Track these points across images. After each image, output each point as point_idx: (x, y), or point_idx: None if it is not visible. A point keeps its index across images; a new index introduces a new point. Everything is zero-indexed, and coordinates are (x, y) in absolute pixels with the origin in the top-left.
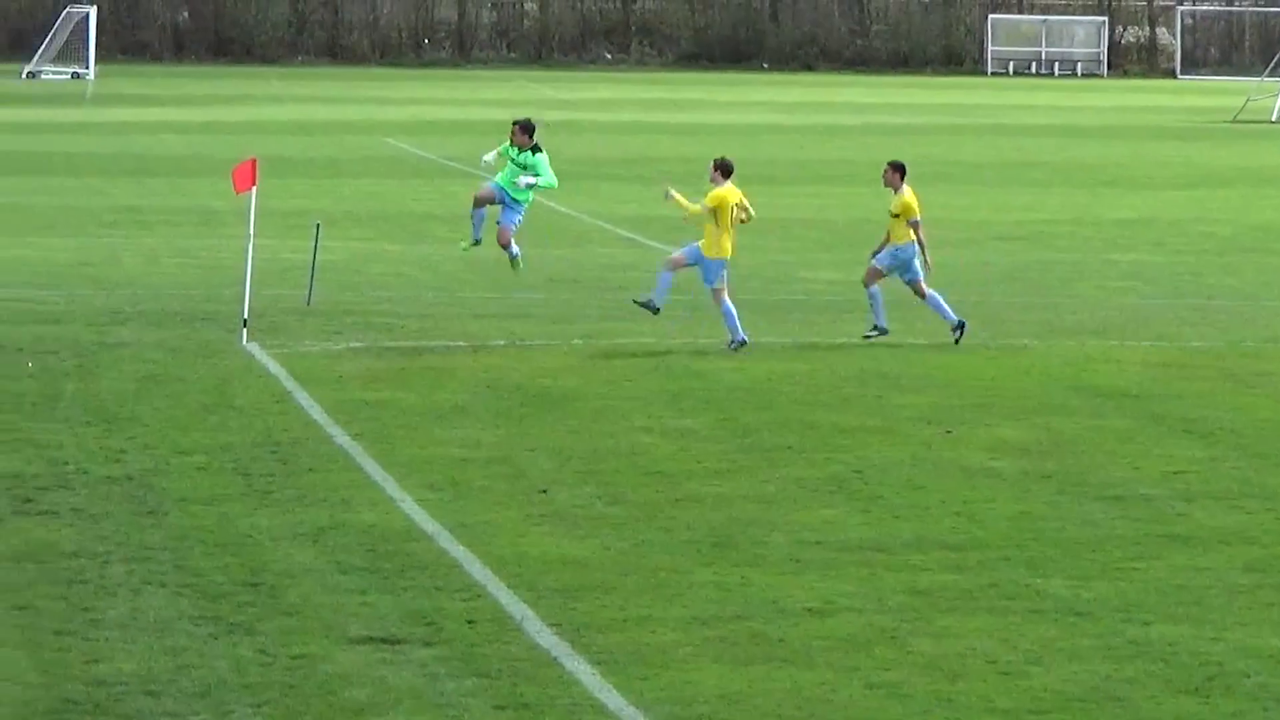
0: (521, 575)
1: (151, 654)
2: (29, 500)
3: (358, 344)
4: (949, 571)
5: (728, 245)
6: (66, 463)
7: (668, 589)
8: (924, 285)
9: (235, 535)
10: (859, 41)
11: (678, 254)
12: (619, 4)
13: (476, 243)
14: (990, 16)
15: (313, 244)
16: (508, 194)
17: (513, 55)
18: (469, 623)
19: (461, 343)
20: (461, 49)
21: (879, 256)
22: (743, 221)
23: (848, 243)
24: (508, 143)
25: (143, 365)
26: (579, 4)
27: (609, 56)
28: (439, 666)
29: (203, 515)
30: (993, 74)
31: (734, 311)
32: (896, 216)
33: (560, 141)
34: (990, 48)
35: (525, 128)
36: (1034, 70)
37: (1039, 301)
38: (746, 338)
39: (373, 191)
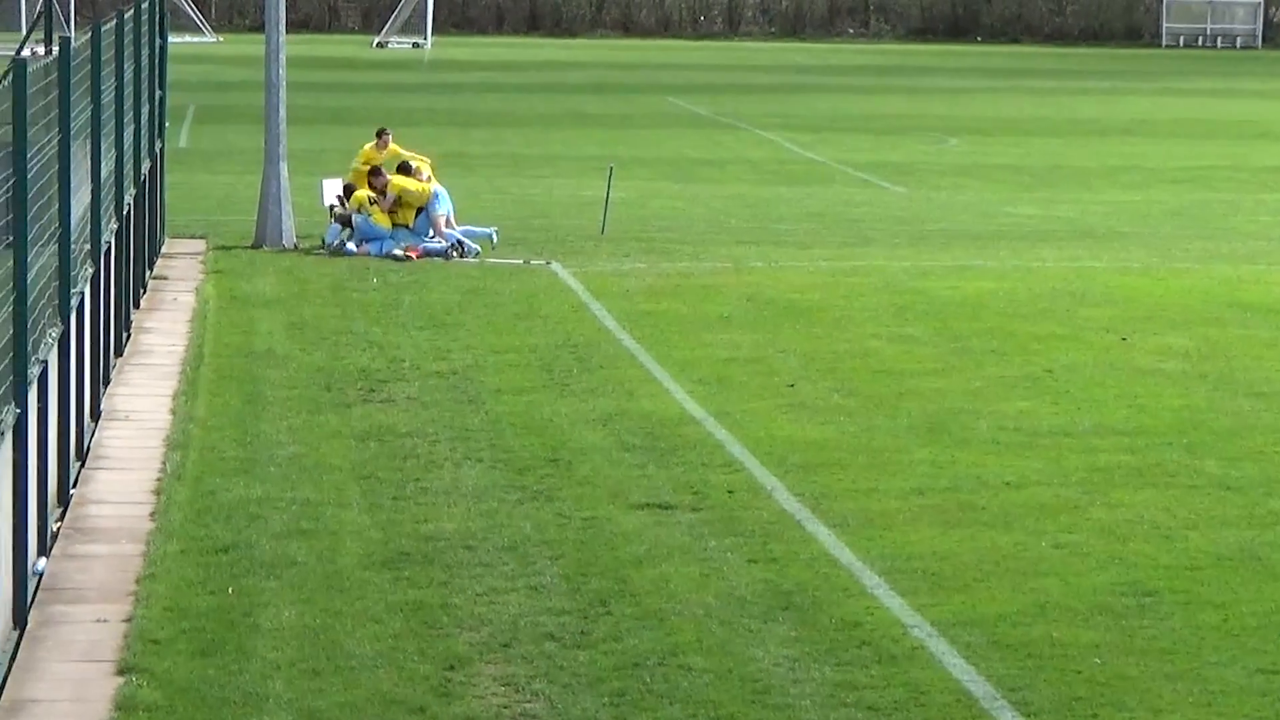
0: (772, 453)
1: (469, 516)
2: (373, 390)
3: (641, 265)
4: (1122, 453)
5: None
6: (404, 360)
7: (891, 466)
8: None
9: (539, 420)
10: (1057, 19)
11: None
12: None
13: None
14: None
15: (607, 183)
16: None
17: (773, 30)
18: (729, 492)
19: (727, 264)
20: (731, 24)
21: None
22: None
23: (1044, 183)
24: None
25: (467, 280)
26: None
27: (851, 30)
28: (704, 528)
29: (513, 403)
30: (1166, 46)
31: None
32: None
33: (813, 99)
34: (1165, 24)
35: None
36: (1200, 44)
37: (1200, 233)
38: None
39: (655, 140)
